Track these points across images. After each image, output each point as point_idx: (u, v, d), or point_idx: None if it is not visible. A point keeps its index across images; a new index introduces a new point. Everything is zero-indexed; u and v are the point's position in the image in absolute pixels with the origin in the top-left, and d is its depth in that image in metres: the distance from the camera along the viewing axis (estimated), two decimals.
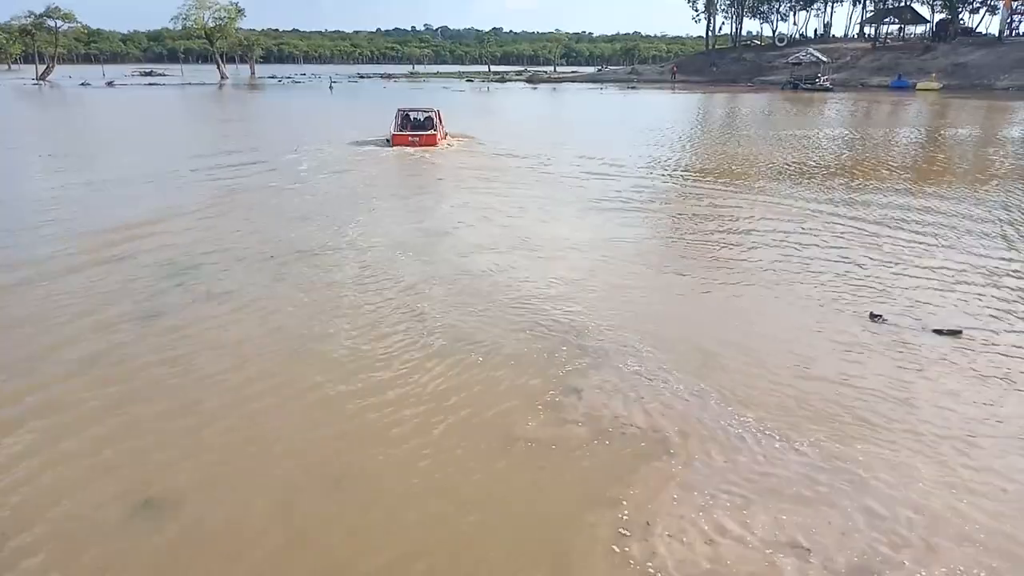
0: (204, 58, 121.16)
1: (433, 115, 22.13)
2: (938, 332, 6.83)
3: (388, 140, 21.25)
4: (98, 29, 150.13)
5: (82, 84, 63.97)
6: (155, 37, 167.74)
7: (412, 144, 20.55)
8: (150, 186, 14.59)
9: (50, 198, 13.21)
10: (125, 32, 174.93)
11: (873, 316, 7.18)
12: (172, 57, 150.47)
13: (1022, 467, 4.64)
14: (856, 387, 5.70)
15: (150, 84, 69.66)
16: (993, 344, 6.58)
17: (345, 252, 9.61)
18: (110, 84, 65.95)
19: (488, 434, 5.00)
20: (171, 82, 73.54)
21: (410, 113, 22.34)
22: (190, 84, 69.01)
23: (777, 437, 4.93)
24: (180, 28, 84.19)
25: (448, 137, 22.32)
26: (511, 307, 7.48)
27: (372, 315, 7.21)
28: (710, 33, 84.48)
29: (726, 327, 7.06)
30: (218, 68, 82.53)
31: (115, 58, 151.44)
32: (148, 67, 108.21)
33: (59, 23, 72.73)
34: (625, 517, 4.08)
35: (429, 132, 21.13)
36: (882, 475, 4.51)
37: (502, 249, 9.89)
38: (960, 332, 6.80)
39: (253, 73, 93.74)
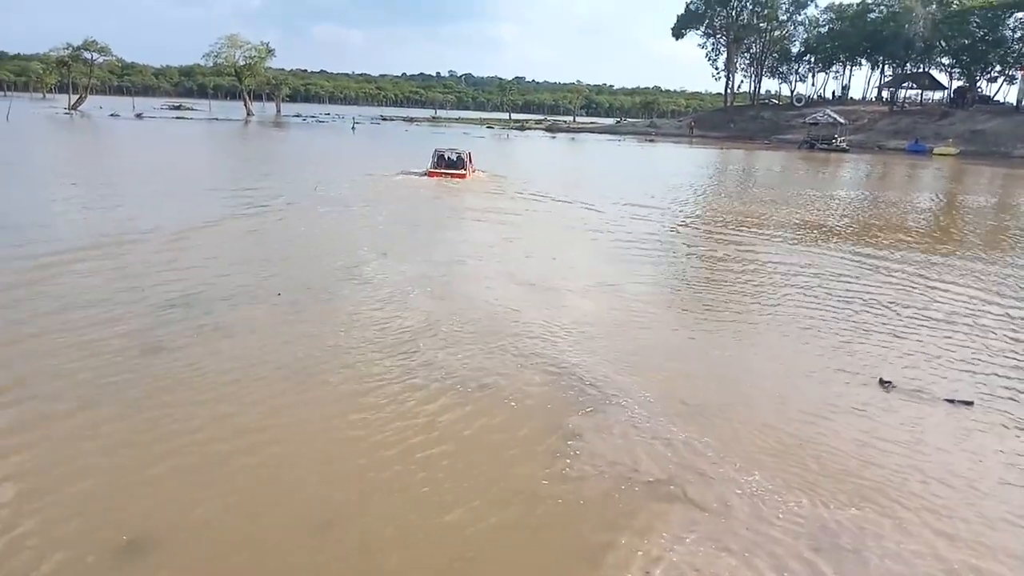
0: (232, 94, 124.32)
1: (464, 156, 25.59)
2: (950, 401, 6.68)
3: (425, 174, 24.49)
4: (132, 63, 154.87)
5: (112, 115, 65.55)
6: (187, 72, 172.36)
7: (443, 177, 23.90)
8: (167, 214, 14.75)
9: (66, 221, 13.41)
10: (158, 67, 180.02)
11: (883, 382, 7.04)
12: (201, 92, 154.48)
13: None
14: (859, 454, 5.57)
15: (177, 118, 71.31)
16: (1006, 417, 6.41)
17: (357, 287, 9.60)
18: (139, 116, 67.56)
19: (487, 483, 4.89)
20: (198, 116, 75.28)
21: (445, 153, 25.67)
22: (216, 120, 70.53)
23: (777, 498, 4.83)
24: (211, 65, 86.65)
25: (475, 172, 25.71)
26: (519, 349, 7.41)
27: (378, 355, 7.14)
28: (729, 90, 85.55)
29: (735, 379, 6.99)
30: (245, 104, 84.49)
31: (147, 91, 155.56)
32: (177, 101, 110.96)
33: (95, 56, 74.84)
34: None
35: (460, 171, 24.62)
36: (875, 544, 4.40)
37: (515, 287, 9.91)
38: (972, 403, 6.64)
39: (279, 111, 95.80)
